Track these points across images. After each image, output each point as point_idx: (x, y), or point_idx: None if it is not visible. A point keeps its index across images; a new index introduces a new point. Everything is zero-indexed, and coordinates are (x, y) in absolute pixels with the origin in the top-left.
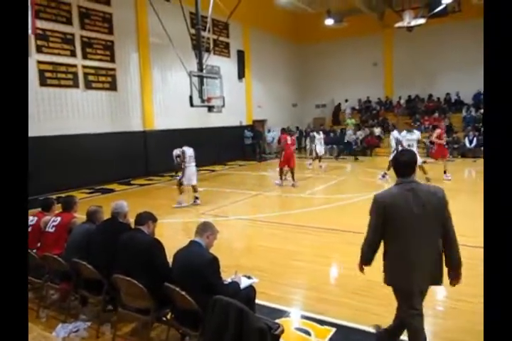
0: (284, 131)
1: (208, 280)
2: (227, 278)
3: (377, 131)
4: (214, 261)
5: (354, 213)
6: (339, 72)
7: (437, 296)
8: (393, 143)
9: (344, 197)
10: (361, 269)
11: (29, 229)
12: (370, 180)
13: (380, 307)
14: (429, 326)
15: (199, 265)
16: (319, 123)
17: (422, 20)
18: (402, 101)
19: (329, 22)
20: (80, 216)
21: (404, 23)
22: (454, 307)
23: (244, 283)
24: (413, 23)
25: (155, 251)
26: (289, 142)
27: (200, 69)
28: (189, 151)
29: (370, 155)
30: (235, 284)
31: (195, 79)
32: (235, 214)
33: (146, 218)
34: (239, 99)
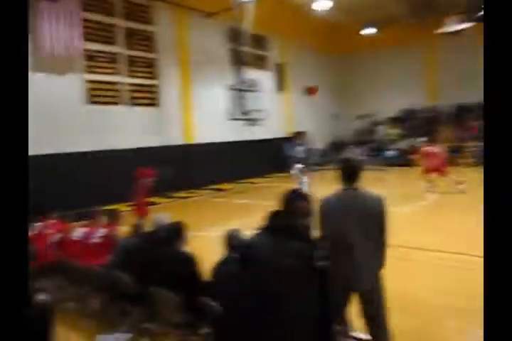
0: None
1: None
2: None
3: (422, 141)
4: None
5: (399, 225)
6: (380, 82)
7: None
8: None
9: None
10: None
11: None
12: (414, 191)
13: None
14: None
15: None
16: (360, 134)
17: (467, 25)
18: (450, 110)
19: (368, 31)
20: (122, 228)
21: (449, 29)
22: None
23: None
24: (458, 27)
25: (190, 266)
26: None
27: (239, 83)
28: None
29: (415, 167)
30: None
31: (235, 93)
32: None
33: (179, 231)
34: (278, 112)
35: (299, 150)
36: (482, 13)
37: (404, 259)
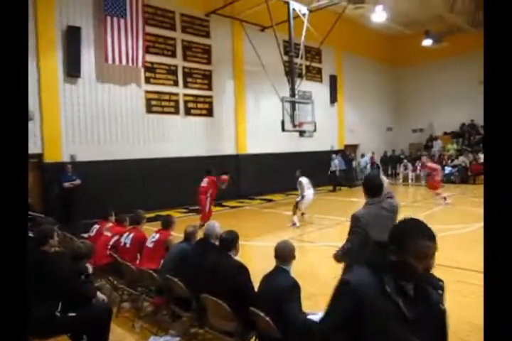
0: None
1: (284, 305)
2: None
3: (481, 157)
4: (296, 287)
5: (462, 246)
6: (438, 94)
7: None
8: None
9: (444, 228)
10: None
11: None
12: (475, 210)
13: None
14: None
15: (281, 290)
16: (416, 149)
17: None
18: None
19: (427, 42)
20: (176, 234)
21: None
22: None
23: None
24: None
25: (241, 276)
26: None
27: (293, 94)
28: (304, 180)
29: (473, 183)
30: (311, 321)
31: (288, 105)
32: (322, 241)
33: (233, 241)
34: (330, 124)
35: (344, 163)
36: None
37: None
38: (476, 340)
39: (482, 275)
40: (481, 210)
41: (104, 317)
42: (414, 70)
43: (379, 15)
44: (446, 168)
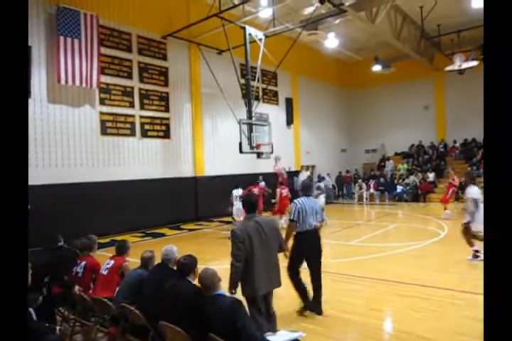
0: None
1: (238, 324)
2: None
3: (430, 176)
4: (238, 302)
5: (406, 262)
6: (389, 117)
7: None
8: (471, 206)
9: (395, 246)
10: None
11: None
12: (423, 228)
13: None
14: None
15: (228, 311)
16: (369, 169)
17: (473, 63)
18: (457, 145)
19: (377, 68)
20: (131, 260)
21: (455, 67)
22: None
23: (287, 336)
24: (464, 65)
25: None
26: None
27: (250, 117)
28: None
29: (423, 201)
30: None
31: (245, 127)
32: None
33: (191, 266)
34: (287, 145)
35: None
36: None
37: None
38: None
39: (436, 289)
40: (430, 227)
41: None
42: (367, 94)
43: (331, 42)
44: (397, 186)
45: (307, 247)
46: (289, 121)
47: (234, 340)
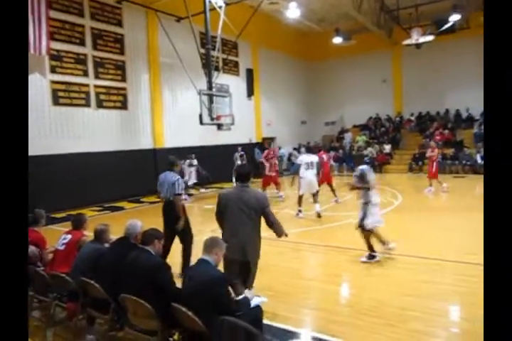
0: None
1: (220, 300)
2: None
3: (387, 147)
4: (225, 279)
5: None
6: (348, 90)
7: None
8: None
9: (352, 215)
10: None
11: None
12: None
13: (388, 327)
14: None
15: (209, 284)
16: (329, 141)
17: (430, 37)
18: (413, 118)
19: (337, 40)
20: (89, 234)
21: (413, 41)
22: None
23: (253, 301)
24: (421, 40)
25: (160, 272)
26: (325, 159)
27: (210, 87)
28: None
29: (379, 172)
30: (245, 300)
31: (205, 98)
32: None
33: (152, 237)
34: (248, 117)
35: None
36: (445, 26)
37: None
38: (380, 315)
39: (391, 256)
40: (386, 197)
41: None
42: (327, 66)
43: (293, 12)
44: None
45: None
46: (250, 92)
47: (204, 313)
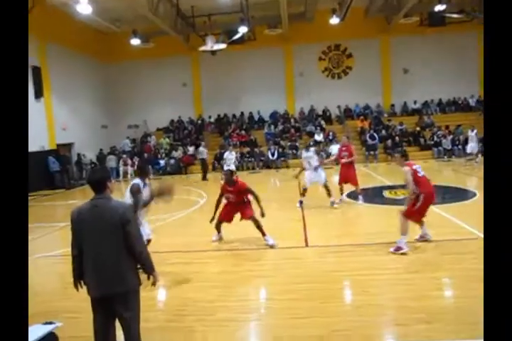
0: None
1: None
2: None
3: (190, 149)
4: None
5: (173, 232)
6: (150, 93)
7: None
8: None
9: (161, 218)
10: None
11: None
12: (186, 198)
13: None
14: None
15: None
16: (132, 145)
17: (223, 45)
18: (212, 120)
19: (135, 41)
20: None
21: (208, 47)
22: None
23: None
24: (216, 47)
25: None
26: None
27: None
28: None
29: (185, 173)
30: None
31: None
32: (40, 252)
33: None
34: (38, 122)
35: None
36: (235, 36)
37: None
38: (190, 313)
39: (196, 253)
40: (192, 197)
41: None
42: (126, 68)
43: (84, 7)
44: (160, 161)
45: None
46: (39, 93)
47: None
